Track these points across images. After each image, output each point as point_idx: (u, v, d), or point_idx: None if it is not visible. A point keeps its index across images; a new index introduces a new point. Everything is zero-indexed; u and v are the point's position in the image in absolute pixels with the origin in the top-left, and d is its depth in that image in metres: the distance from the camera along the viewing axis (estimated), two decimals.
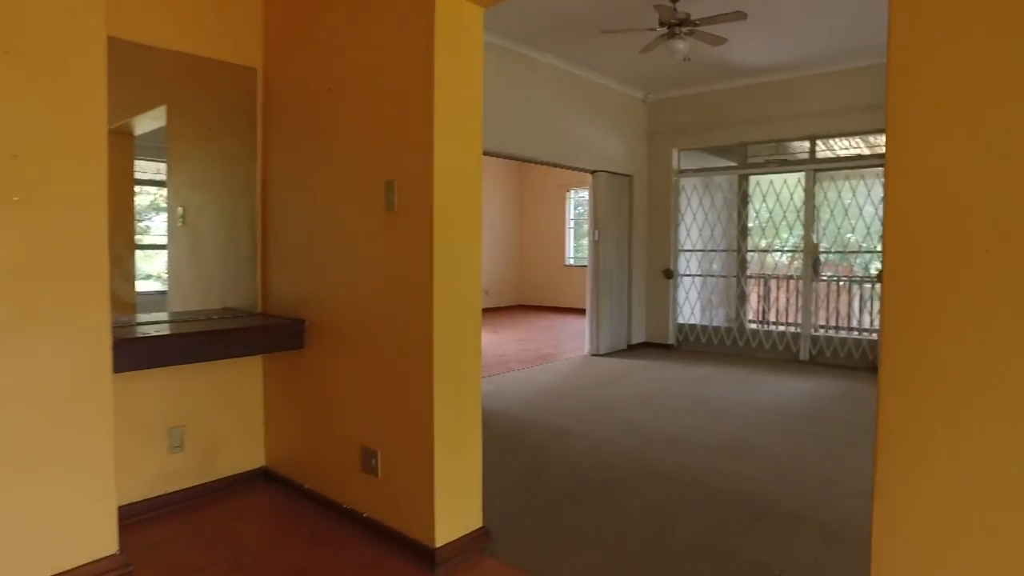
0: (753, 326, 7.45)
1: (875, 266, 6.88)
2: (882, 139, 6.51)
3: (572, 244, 12.42)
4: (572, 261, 12.37)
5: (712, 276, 7.81)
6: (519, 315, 11.48)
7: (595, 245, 7.28)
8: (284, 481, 3.18)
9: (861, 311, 7.01)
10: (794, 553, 2.62)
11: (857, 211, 6.65)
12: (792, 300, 7.28)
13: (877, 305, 6.58)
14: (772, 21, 5.23)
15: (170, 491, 2.93)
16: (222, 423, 3.13)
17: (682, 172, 7.76)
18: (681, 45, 4.67)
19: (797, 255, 7.14)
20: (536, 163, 6.67)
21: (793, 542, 2.71)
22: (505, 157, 6.13)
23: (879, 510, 1.55)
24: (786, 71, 6.70)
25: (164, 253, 3.09)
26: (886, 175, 1.50)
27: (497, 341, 8.43)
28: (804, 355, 6.97)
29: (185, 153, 3.13)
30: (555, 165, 6.88)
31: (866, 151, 6.69)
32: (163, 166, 3.05)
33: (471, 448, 2.60)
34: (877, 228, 6.54)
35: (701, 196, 7.70)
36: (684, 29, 4.56)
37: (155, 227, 3.07)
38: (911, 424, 1.49)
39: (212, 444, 3.08)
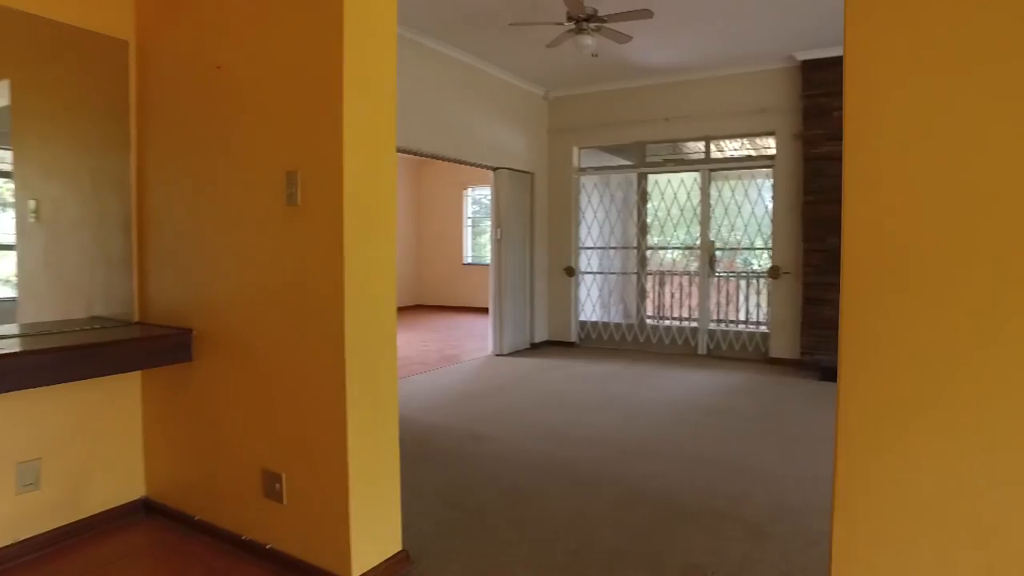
0: (653, 322, 7.61)
1: (755, 262, 7.21)
2: (768, 141, 6.85)
3: (470, 243, 12.26)
4: (470, 260, 12.22)
5: (613, 274, 7.90)
6: (418, 315, 11.18)
7: (497, 243, 7.15)
8: (170, 513, 2.79)
9: (750, 304, 7.33)
10: (723, 552, 2.59)
11: (749, 209, 6.93)
12: (690, 296, 7.50)
13: (767, 299, 6.89)
14: (674, 22, 5.31)
15: (21, 538, 2.46)
16: (91, 451, 2.69)
17: (583, 170, 7.79)
18: (589, 41, 4.62)
19: (694, 252, 7.36)
20: (438, 159, 6.45)
21: (720, 540, 2.69)
22: (405, 152, 5.86)
23: (840, 514, 1.49)
24: (684, 73, 6.87)
25: (12, 254, 2.61)
26: (844, 172, 1.44)
27: (398, 343, 8.11)
28: (702, 349, 7.20)
29: (37, 138, 2.66)
30: (458, 161, 6.69)
31: (753, 152, 6.98)
32: (7, 153, 2.57)
33: (389, 464, 2.37)
34: (768, 226, 6.85)
35: (601, 194, 7.77)
36: (592, 24, 4.51)
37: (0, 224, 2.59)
38: (870, 427, 1.44)
39: (78, 477, 2.65)
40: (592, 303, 7.93)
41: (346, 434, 2.16)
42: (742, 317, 7.22)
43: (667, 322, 7.52)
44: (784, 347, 6.69)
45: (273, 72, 2.32)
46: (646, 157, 7.47)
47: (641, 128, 7.28)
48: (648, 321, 7.61)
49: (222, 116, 2.49)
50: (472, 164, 6.87)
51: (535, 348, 7.66)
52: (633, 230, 7.72)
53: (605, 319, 7.90)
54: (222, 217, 2.51)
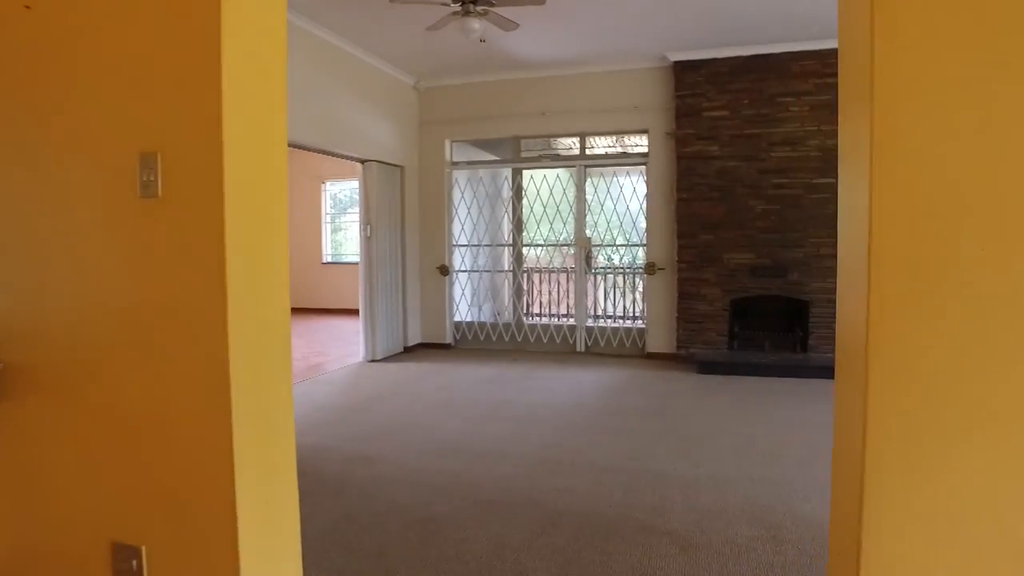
0: (530, 320, 7.47)
1: (631, 258, 7.31)
2: (642, 139, 6.93)
3: (329, 240, 11.50)
4: (330, 258, 11.46)
5: (488, 272, 7.66)
6: None
7: (367, 241, 6.64)
8: None
9: (626, 300, 7.42)
10: (662, 570, 2.40)
11: (624, 206, 6.98)
12: (567, 293, 7.44)
13: (643, 295, 6.99)
14: (554, 15, 5.13)
15: None
16: None
17: (455, 164, 7.47)
18: (476, 25, 4.30)
19: (570, 248, 7.30)
20: (301, 149, 5.82)
21: (654, 558, 2.50)
22: None
23: (868, 542, 1.31)
24: (561, 67, 6.75)
25: None
26: (872, 169, 1.25)
27: None
28: (580, 346, 7.16)
29: None
30: (324, 152, 6.09)
31: (627, 149, 7.05)
32: None
33: (286, 519, 1.91)
34: (642, 223, 6.94)
35: (475, 189, 7.49)
36: (479, 7, 4.21)
37: None
38: (910, 453, 1.26)
39: None
40: (467, 302, 7.64)
41: (234, 482, 1.68)
42: (619, 313, 7.27)
43: (544, 320, 7.41)
44: (661, 342, 6.81)
45: (115, 18, 1.76)
46: (521, 152, 7.30)
47: (516, 122, 7.09)
48: (527, 320, 7.46)
49: (38, 75, 1.88)
50: (340, 156, 6.31)
51: (409, 352, 7.24)
52: (508, 227, 7.52)
53: (481, 319, 7.64)
54: (41, 213, 1.90)
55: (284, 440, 1.88)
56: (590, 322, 7.19)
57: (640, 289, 7.15)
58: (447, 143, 7.39)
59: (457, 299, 7.55)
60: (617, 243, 7.16)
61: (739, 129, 6.26)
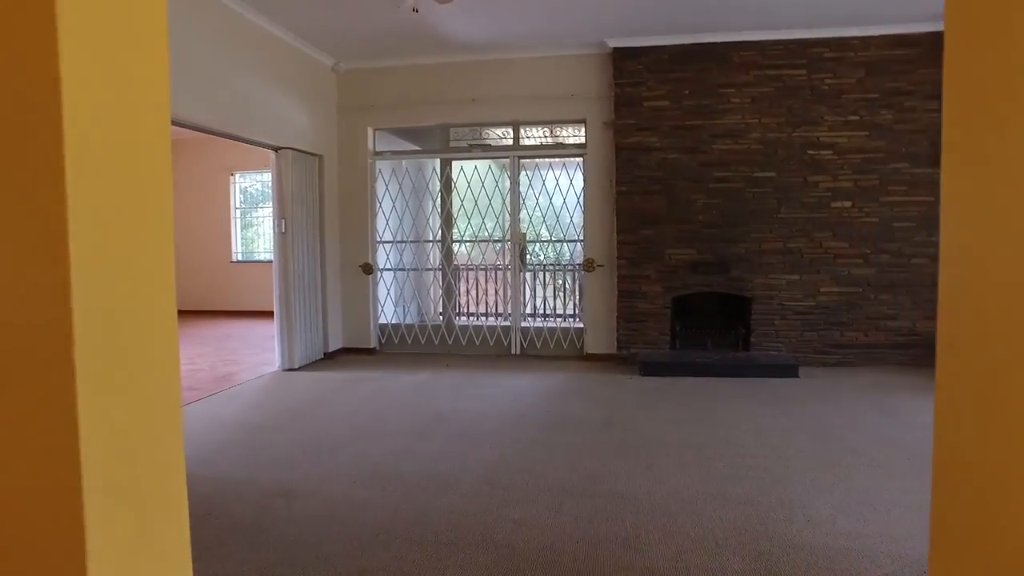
0: (462, 321, 7.00)
1: (568, 255, 6.99)
2: (579, 129, 6.60)
3: (239, 237, 10.60)
4: (240, 257, 10.57)
5: (415, 270, 7.14)
6: (179, 325, 9.30)
7: (282, 237, 5.99)
8: None
9: (564, 299, 7.08)
10: None
11: (561, 200, 6.63)
12: (500, 292, 7.02)
13: (581, 293, 6.67)
14: None
15: None
16: None
17: (379, 154, 6.90)
18: None
19: (504, 245, 6.88)
20: (203, 132, 5.12)
21: None
22: None
23: None
24: (493, 51, 6.31)
25: None
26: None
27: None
28: (515, 348, 6.76)
29: None
30: (230, 137, 5.40)
31: (563, 140, 6.69)
32: None
33: None
34: (580, 218, 6.60)
35: (401, 182, 6.95)
36: None
37: None
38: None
39: None
40: (394, 303, 7.09)
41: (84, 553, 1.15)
42: (556, 313, 6.92)
43: (476, 321, 6.96)
44: (600, 342, 6.50)
45: None
46: (450, 142, 6.81)
47: (445, 110, 6.61)
48: (458, 321, 6.99)
49: None
50: (250, 141, 5.62)
51: (331, 358, 6.63)
52: (436, 222, 7.03)
53: (408, 321, 7.11)
54: None
55: (169, 488, 1.35)
56: (525, 322, 6.80)
57: (578, 287, 6.82)
58: (370, 131, 6.81)
59: (382, 300, 6.99)
60: (553, 239, 6.80)
61: (680, 120, 6.03)
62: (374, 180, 6.86)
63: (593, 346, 6.52)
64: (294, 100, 6.05)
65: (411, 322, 7.02)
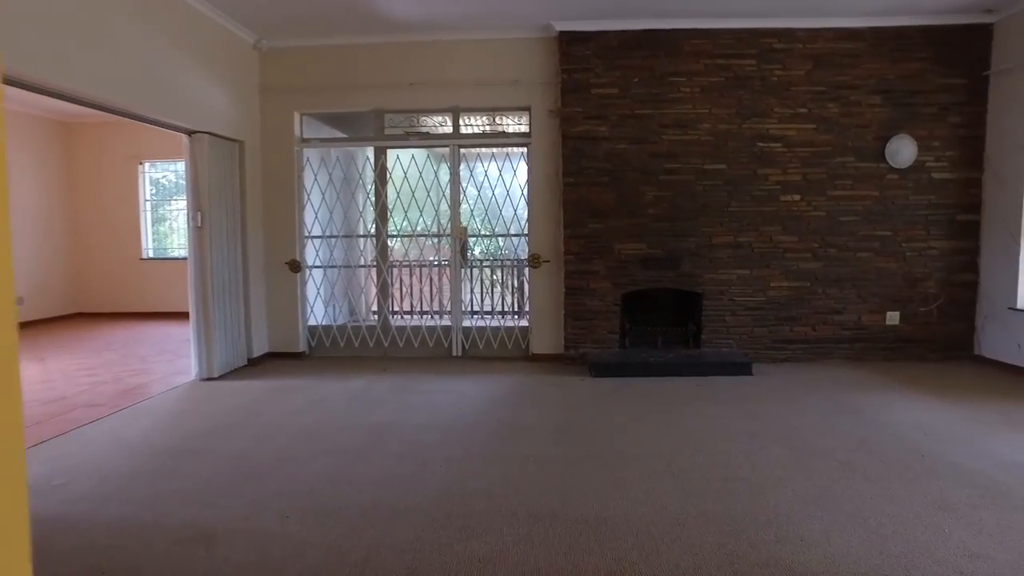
0: (399, 322, 6.54)
1: (496, 248, 6.65)
2: (524, 117, 6.26)
3: (150, 232, 9.71)
4: (151, 253, 9.69)
5: (348, 267, 6.63)
6: (78, 329, 8.41)
7: (198, 231, 5.38)
8: None
9: (507, 296, 6.73)
10: None
11: (504, 192, 6.27)
12: (440, 290, 6.61)
13: (527, 291, 6.33)
14: None
15: None
16: None
17: (307, 141, 6.34)
18: None
19: (444, 239, 6.47)
20: (106, 110, 4.47)
21: None
22: (41, 91, 3.86)
23: None
24: (432, 32, 5.87)
25: None
26: None
27: (46, 376, 5.73)
28: (457, 350, 6.36)
29: None
30: (135, 117, 4.75)
31: (507, 128, 6.33)
32: None
33: None
34: (524, 211, 6.27)
35: (331, 171, 6.42)
36: None
37: None
38: None
39: None
40: (324, 303, 6.56)
41: None
42: (500, 311, 6.56)
43: (415, 321, 6.51)
44: (546, 342, 6.19)
45: None
46: (385, 129, 6.33)
47: (379, 94, 6.12)
48: (395, 321, 6.53)
49: None
50: (158, 123, 4.98)
51: (255, 365, 6.05)
52: (371, 215, 6.54)
53: (340, 322, 6.60)
54: None
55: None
56: (467, 322, 6.42)
57: (523, 284, 6.49)
58: (296, 116, 6.25)
59: (312, 300, 6.45)
60: (497, 233, 6.44)
61: (629, 109, 5.78)
62: (301, 170, 6.30)
63: (539, 346, 6.21)
64: (211, 79, 5.43)
65: (343, 323, 6.51)
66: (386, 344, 6.43)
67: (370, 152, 6.40)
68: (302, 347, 6.38)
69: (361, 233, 6.55)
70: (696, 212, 5.83)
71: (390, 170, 6.33)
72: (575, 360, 5.97)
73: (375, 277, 6.49)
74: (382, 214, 6.35)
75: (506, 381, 5.42)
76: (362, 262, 6.57)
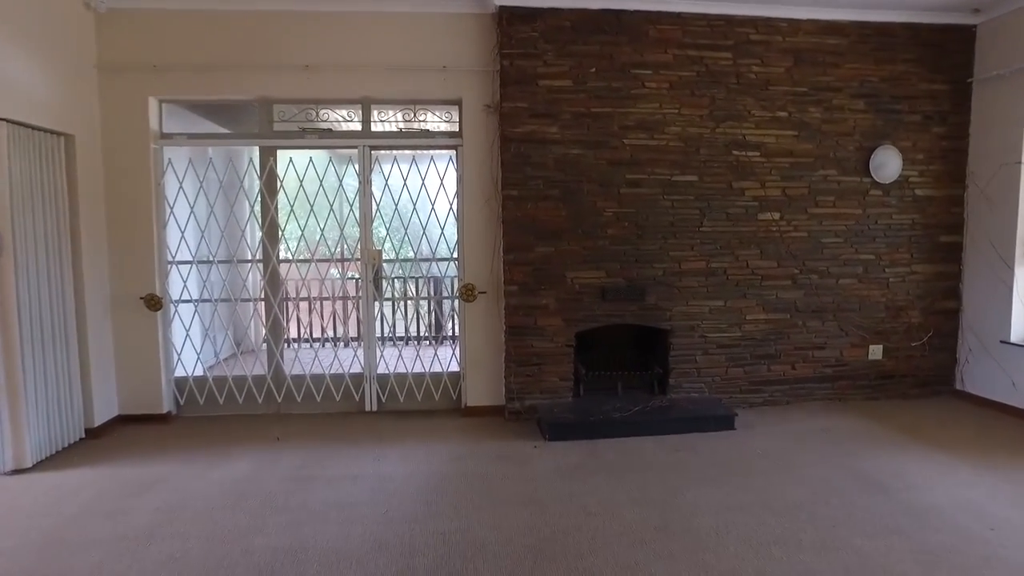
0: (296, 369, 5.14)
1: (440, 278, 5.44)
2: (443, 112, 5.05)
3: None
4: None
5: (227, 301, 5.15)
6: None
7: None
8: None
9: (434, 337, 5.51)
10: None
11: (429, 206, 5.03)
12: (349, 327, 5.28)
13: (458, 330, 5.13)
14: None
15: None
16: None
17: (169, 137, 4.83)
18: None
19: (352, 265, 5.15)
20: None
21: None
22: None
23: None
24: (338, 2, 4.58)
25: None
26: None
27: None
28: (371, 403, 5.08)
29: None
30: None
31: (432, 126, 5.10)
32: None
33: None
34: (452, 230, 5.07)
35: (203, 177, 4.94)
36: None
37: None
38: None
39: None
40: (196, 348, 5.07)
41: None
42: (425, 354, 5.30)
43: (317, 368, 5.14)
44: (483, 391, 5.04)
45: None
46: (274, 123, 4.93)
47: (267, 79, 4.73)
48: (287, 370, 5.13)
49: None
50: None
51: (99, 436, 4.50)
52: (257, 234, 5.12)
53: (220, 372, 5.12)
54: None
55: None
56: (383, 367, 5.13)
57: (453, 321, 5.30)
58: (153, 103, 4.73)
59: (179, 344, 4.94)
60: (420, 257, 5.19)
61: (585, 106, 4.73)
62: (162, 175, 4.79)
63: (475, 396, 5.04)
64: (19, 49, 3.86)
65: (223, 373, 5.03)
66: (279, 398, 5.04)
67: (255, 153, 4.95)
68: (167, 406, 4.87)
69: (245, 258, 5.11)
70: (663, 233, 4.88)
71: (281, 177, 4.93)
72: (520, 415, 4.86)
73: (264, 314, 5.06)
74: (271, 233, 4.94)
75: (440, 453, 4.21)
76: (246, 295, 5.13)
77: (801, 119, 4.94)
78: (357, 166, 4.92)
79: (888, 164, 5.02)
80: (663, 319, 4.94)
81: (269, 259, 4.94)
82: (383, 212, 5.03)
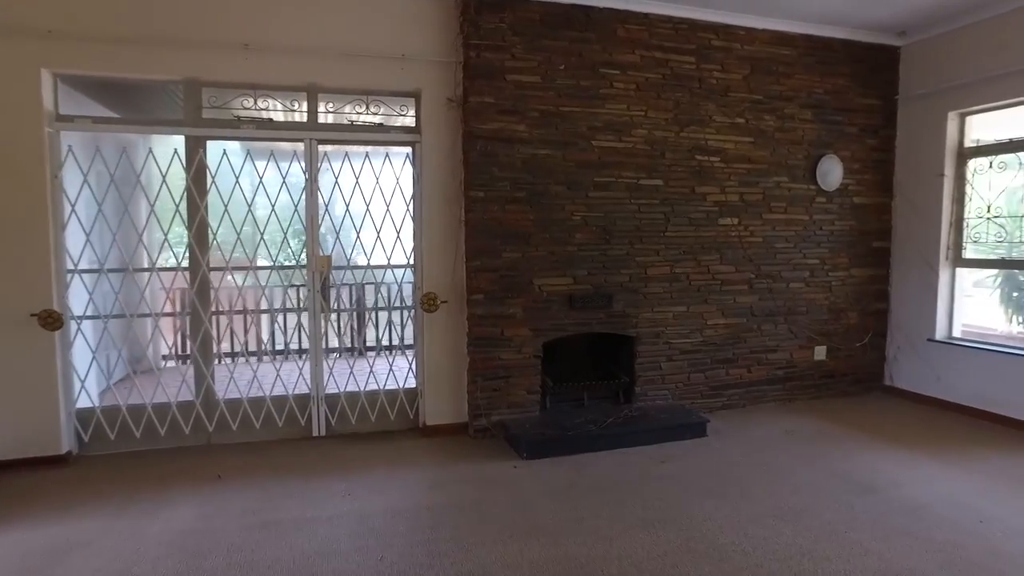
0: (230, 392, 4.46)
1: (395, 287, 4.98)
2: (400, 105, 4.62)
3: None
4: None
5: (145, 316, 4.38)
6: None
7: None
8: None
9: (388, 350, 5.04)
10: None
11: (384, 207, 4.57)
12: (291, 342, 4.68)
13: (417, 340, 4.70)
14: None
15: None
16: None
17: (68, 120, 4.01)
18: None
19: (298, 274, 4.57)
20: None
21: None
22: None
23: None
24: None
25: None
26: None
27: None
28: (320, 427, 4.53)
29: None
30: None
31: (387, 120, 4.64)
32: None
33: None
34: (408, 235, 4.65)
35: (113, 169, 4.16)
36: None
37: None
38: None
39: None
40: (105, 373, 4.26)
41: None
42: (379, 369, 4.80)
43: (256, 390, 4.50)
44: (444, 408, 4.65)
45: None
46: (203, 110, 4.25)
47: (194, 56, 4.06)
48: (220, 394, 4.44)
49: None
50: None
51: None
52: (184, 238, 4.41)
53: (135, 400, 4.32)
54: None
55: None
56: (333, 385, 4.60)
57: (412, 332, 4.86)
58: (47, 77, 3.91)
59: (82, 369, 4.12)
60: (373, 264, 4.70)
61: (554, 104, 4.50)
62: (58, 166, 3.97)
63: (435, 414, 4.65)
64: None
65: (138, 402, 4.26)
66: (211, 426, 4.35)
67: (180, 143, 4.23)
68: (66, 446, 4.04)
69: (167, 265, 4.37)
70: (630, 238, 4.76)
71: (212, 172, 4.26)
72: (486, 433, 4.53)
73: (189, 330, 4.35)
74: (199, 237, 4.26)
75: (415, 482, 3.80)
76: (168, 308, 4.38)
77: (757, 126, 5.02)
78: (304, 162, 4.36)
79: (831, 173, 5.23)
80: (630, 326, 4.81)
81: (198, 267, 4.25)
82: (332, 213, 4.50)
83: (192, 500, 3.52)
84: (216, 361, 4.51)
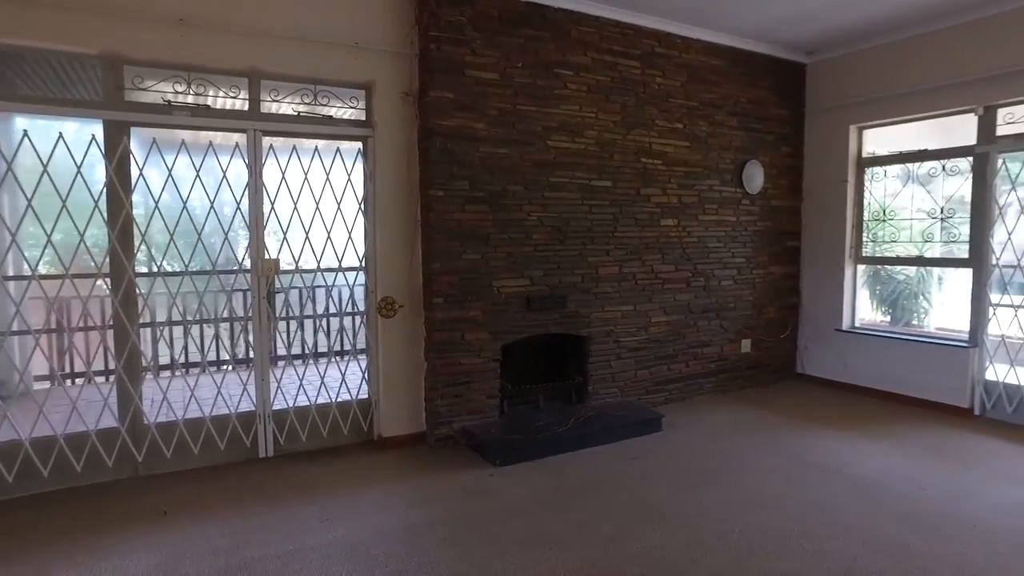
0: (162, 416, 3.91)
1: (346, 291, 4.63)
2: (351, 97, 4.29)
3: None
4: None
5: (81, 330, 3.72)
6: None
7: None
8: None
9: (341, 358, 4.69)
10: None
11: (335, 205, 4.23)
12: (238, 353, 4.21)
13: (373, 347, 4.40)
14: None
15: None
16: None
17: None
18: None
19: (240, 278, 4.11)
20: None
21: None
22: None
23: None
24: None
25: None
26: None
27: None
28: (267, 447, 4.11)
29: None
30: None
31: (336, 112, 4.30)
32: None
33: None
34: (359, 234, 4.35)
35: (32, 158, 3.49)
36: None
37: None
38: None
39: None
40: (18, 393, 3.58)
41: None
42: (330, 380, 4.43)
43: (193, 412, 3.98)
44: (400, 418, 4.41)
45: None
46: (125, 92, 3.69)
47: (117, 29, 3.53)
48: (149, 418, 3.88)
49: None
50: None
51: None
52: (105, 239, 3.82)
53: (43, 430, 3.66)
54: None
55: None
56: (281, 402, 4.20)
57: (365, 338, 4.53)
58: None
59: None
60: (323, 267, 4.33)
61: (511, 102, 4.42)
62: None
63: (391, 425, 4.40)
64: None
65: (50, 433, 3.61)
66: (140, 454, 3.79)
67: (99, 129, 3.64)
68: None
69: (90, 271, 3.75)
70: (582, 238, 4.78)
71: (141, 164, 3.72)
72: (447, 441, 4.35)
73: (113, 343, 3.76)
74: (123, 237, 3.70)
75: (393, 500, 3.57)
76: (92, 321, 3.76)
77: (693, 131, 5.24)
78: (245, 155, 3.94)
79: (755, 177, 5.58)
80: (583, 326, 4.84)
81: (123, 272, 3.69)
82: (279, 211, 4.09)
83: (147, 545, 3.04)
84: (145, 383, 3.94)
